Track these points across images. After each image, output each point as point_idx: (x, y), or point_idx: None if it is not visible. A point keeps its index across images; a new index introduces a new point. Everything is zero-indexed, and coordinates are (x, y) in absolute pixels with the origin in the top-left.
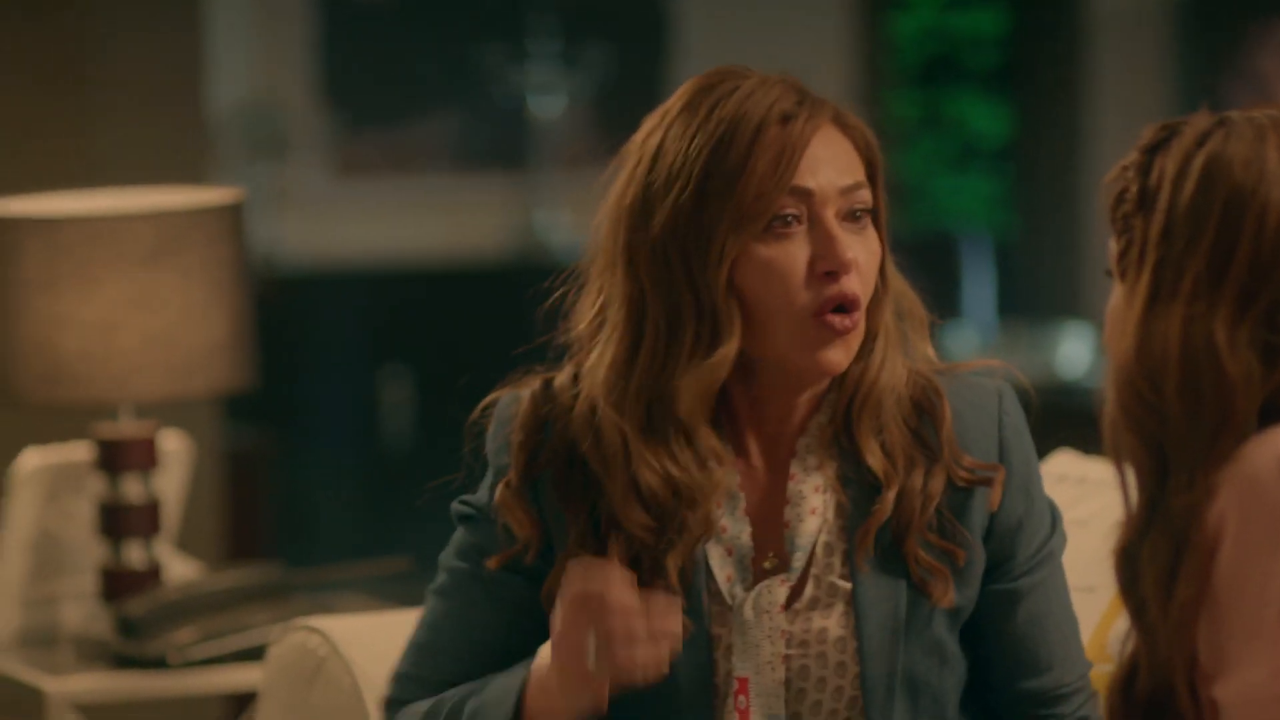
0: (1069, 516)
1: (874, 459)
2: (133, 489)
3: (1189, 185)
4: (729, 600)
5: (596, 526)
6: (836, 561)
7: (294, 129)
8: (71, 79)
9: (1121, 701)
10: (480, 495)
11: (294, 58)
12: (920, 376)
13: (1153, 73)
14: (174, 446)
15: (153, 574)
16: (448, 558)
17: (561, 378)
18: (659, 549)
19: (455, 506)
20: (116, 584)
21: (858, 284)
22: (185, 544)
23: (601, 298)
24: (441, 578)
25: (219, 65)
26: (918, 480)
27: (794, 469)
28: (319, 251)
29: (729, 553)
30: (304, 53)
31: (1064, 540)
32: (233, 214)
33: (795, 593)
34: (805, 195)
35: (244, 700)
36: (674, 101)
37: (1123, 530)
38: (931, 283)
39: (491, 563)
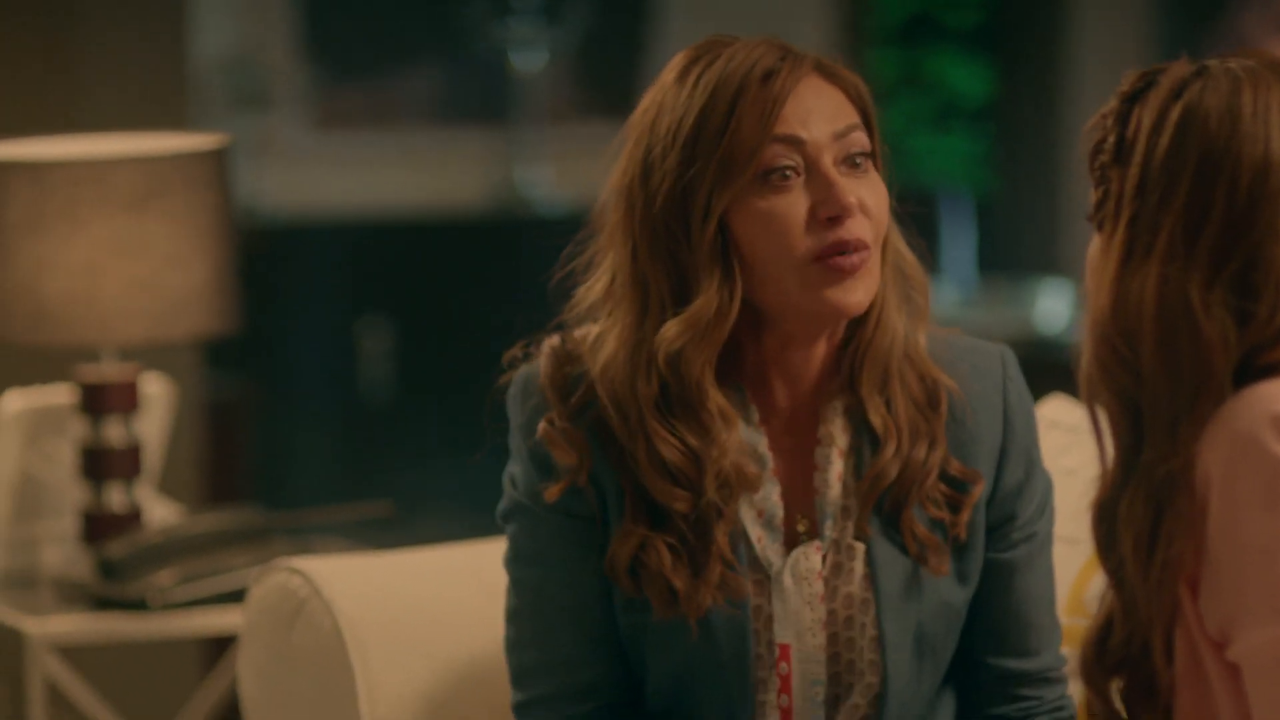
0: (1059, 464)
1: (876, 416)
2: (114, 432)
3: (1164, 140)
4: (766, 568)
5: (647, 495)
6: (850, 524)
7: (276, 81)
8: (58, 26)
9: (1095, 656)
10: (519, 477)
11: (277, 11)
12: (925, 364)
13: (1133, 32)
14: (156, 390)
15: (133, 517)
16: (513, 565)
17: (574, 341)
18: (706, 520)
19: (503, 506)
20: (97, 526)
21: (863, 228)
22: (166, 487)
23: (610, 274)
24: (512, 594)
25: (202, 16)
26: (920, 453)
27: (820, 433)
28: (300, 203)
29: (759, 515)
30: (287, 6)
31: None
32: (218, 159)
33: (823, 558)
34: (798, 144)
35: (224, 643)
36: (666, 75)
37: (1100, 486)
38: (912, 240)
39: (550, 494)
